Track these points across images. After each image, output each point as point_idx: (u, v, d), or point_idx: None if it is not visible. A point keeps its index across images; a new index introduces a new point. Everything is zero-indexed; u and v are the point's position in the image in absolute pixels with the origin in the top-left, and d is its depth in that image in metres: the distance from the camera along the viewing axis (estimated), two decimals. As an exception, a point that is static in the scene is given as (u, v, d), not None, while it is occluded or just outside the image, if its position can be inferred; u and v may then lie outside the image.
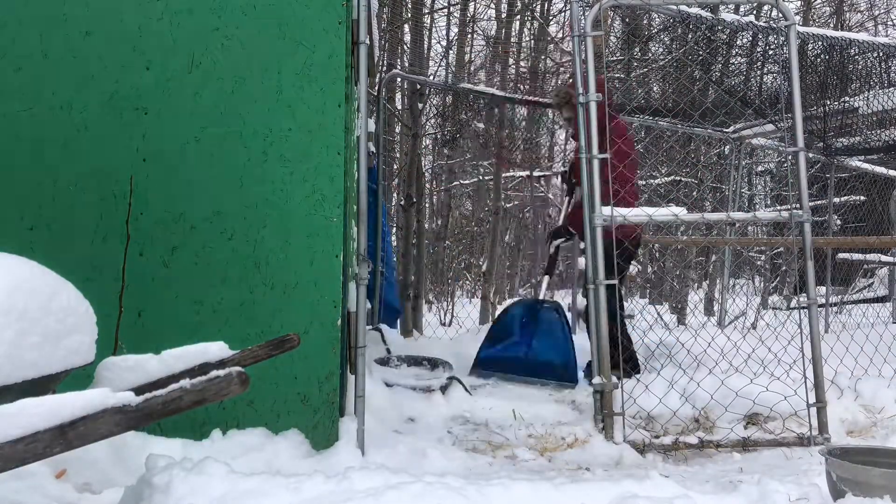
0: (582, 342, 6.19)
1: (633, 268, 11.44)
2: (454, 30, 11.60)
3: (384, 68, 9.94)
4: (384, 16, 9.68)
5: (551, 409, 4.38)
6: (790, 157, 4.02)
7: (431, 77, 10.19)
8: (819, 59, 5.98)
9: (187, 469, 2.42)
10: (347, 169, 3.28)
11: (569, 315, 7.37)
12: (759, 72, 6.41)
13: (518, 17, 12.04)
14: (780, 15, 4.11)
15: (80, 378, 2.11)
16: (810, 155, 7.23)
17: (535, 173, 12.68)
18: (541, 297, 5.56)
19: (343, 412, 3.35)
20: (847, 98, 6.33)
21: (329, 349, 3.17)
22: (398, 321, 7.40)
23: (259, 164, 3.18)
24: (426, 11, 11.34)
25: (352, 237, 3.55)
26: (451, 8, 11.42)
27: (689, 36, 5.99)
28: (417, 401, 4.22)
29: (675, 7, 4.76)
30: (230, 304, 3.15)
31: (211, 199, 3.16)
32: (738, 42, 6.14)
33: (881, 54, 5.94)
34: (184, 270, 3.14)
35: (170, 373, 2.21)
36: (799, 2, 13.17)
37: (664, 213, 3.96)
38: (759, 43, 6.00)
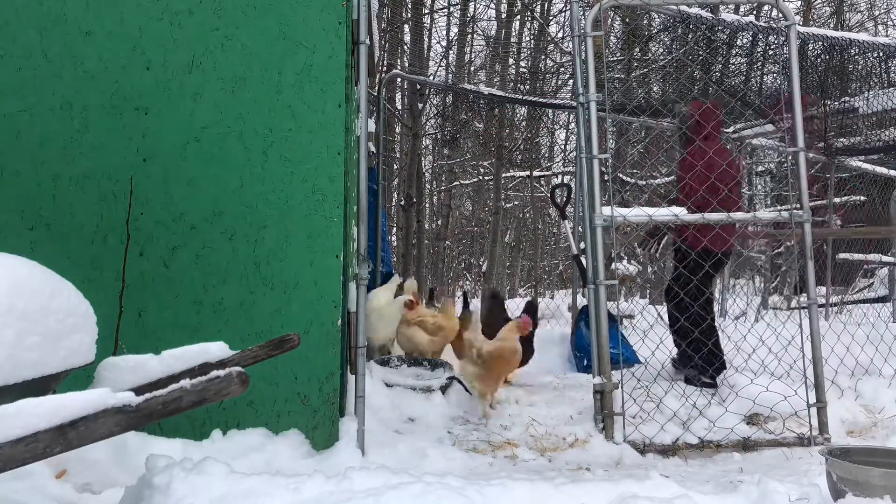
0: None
1: (634, 268, 11.43)
2: (454, 30, 11.60)
3: (384, 68, 9.94)
4: (384, 16, 9.68)
5: (551, 410, 4.38)
6: (790, 157, 4.02)
7: (431, 77, 10.18)
8: (819, 60, 5.98)
9: (187, 469, 2.42)
10: (347, 169, 3.28)
11: (568, 316, 7.38)
12: (759, 72, 6.41)
13: (518, 17, 12.04)
14: (781, 15, 4.11)
15: (80, 378, 2.11)
16: (810, 155, 7.22)
17: (535, 173, 12.68)
18: None
19: (343, 412, 3.35)
20: (847, 98, 6.33)
21: (329, 349, 3.17)
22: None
23: (259, 164, 3.18)
24: (426, 11, 11.34)
25: (352, 237, 3.55)
26: (451, 8, 11.42)
27: (690, 36, 5.99)
28: (417, 401, 4.21)
29: (675, 7, 4.76)
30: (230, 304, 3.15)
31: (211, 199, 3.16)
32: (738, 42, 6.14)
33: (881, 54, 5.94)
34: (184, 270, 3.14)
35: (170, 373, 2.21)
36: (799, 2, 13.17)
37: (664, 213, 3.96)
38: (759, 43, 6.00)
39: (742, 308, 9.26)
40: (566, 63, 11.45)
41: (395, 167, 11.43)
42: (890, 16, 13.46)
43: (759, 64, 6.31)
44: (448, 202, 14.82)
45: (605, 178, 4.31)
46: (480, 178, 14.26)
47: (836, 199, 8.78)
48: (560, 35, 12.33)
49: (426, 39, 11.91)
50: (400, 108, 11.29)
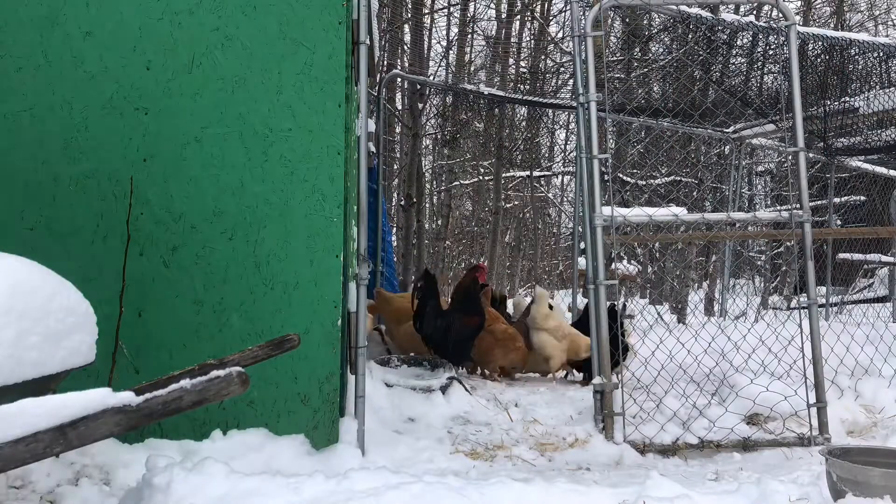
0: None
1: (634, 268, 11.43)
2: (454, 30, 11.61)
3: (384, 68, 9.95)
4: (384, 16, 9.69)
5: (551, 410, 4.38)
6: (790, 157, 4.02)
7: (431, 77, 10.19)
8: (819, 60, 5.98)
9: (187, 469, 2.42)
10: (347, 169, 3.28)
11: (568, 316, 7.37)
12: (759, 72, 6.42)
13: (518, 17, 12.05)
14: (781, 15, 4.11)
15: (80, 378, 2.11)
16: (810, 155, 7.23)
17: (535, 173, 12.69)
18: None
19: (343, 412, 3.35)
20: (847, 98, 6.33)
21: (329, 349, 3.17)
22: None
23: (259, 164, 3.18)
24: (426, 11, 11.34)
25: (352, 237, 3.55)
26: (451, 8, 11.43)
27: (690, 36, 5.99)
28: (417, 401, 4.22)
29: (675, 7, 4.76)
30: (230, 304, 3.15)
31: (211, 199, 3.16)
32: (739, 42, 6.14)
33: (881, 54, 5.94)
34: (184, 270, 3.14)
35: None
36: (799, 2, 13.17)
37: (664, 213, 3.96)
38: (759, 43, 6.00)
39: (742, 308, 9.27)
40: (566, 63, 11.45)
41: (395, 167, 11.44)
42: (890, 16, 13.47)
43: (759, 64, 6.32)
44: (448, 202, 14.82)
45: (605, 178, 4.32)
46: (480, 178, 14.27)
47: (836, 199, 8.79)
48: (560, 35, 12.33)
49: (426, 39, 11.91)
50: (400, 108, 11.29)
